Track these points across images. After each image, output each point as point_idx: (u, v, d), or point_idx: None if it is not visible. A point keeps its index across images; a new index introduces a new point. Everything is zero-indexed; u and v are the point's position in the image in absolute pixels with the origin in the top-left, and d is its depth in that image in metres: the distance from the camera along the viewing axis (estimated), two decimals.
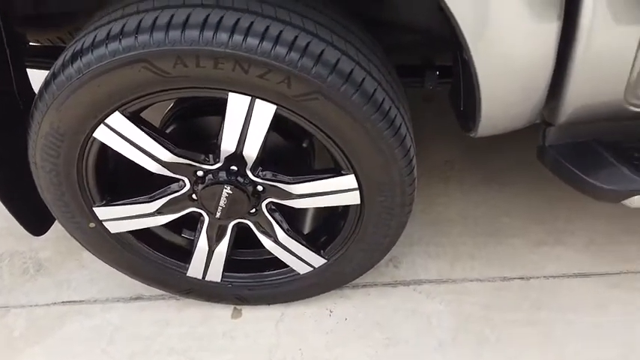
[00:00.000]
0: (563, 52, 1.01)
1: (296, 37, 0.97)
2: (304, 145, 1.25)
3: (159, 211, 1.26)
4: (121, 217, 1.26)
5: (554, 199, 1.67)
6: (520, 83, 1.05)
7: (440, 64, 1.42)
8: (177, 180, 1.22)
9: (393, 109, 1.08)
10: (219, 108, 1.10)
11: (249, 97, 1.03)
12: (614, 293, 1.45)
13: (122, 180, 1.29)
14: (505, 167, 1.78)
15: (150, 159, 1.14)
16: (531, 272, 1.53)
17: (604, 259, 1.53)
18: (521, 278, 1.53)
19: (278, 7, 0.99)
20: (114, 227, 1.29)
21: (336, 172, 1.17)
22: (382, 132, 1.07)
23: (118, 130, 1.09)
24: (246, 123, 1.08)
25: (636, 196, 1.16)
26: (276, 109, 1.05)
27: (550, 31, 0.98)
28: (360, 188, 1.18)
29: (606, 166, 1.19)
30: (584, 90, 1.06)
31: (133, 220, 1.27)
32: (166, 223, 1.30)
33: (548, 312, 1.44)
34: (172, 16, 0.94)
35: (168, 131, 1.24)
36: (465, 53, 1.00)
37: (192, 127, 1.25)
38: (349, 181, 1.16)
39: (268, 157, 1.17)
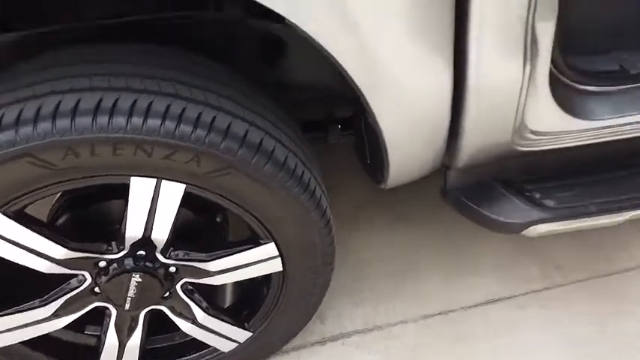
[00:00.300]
0: (457, 103, 1.08)
1: (200, 113, 0.92)
2: (218, 219, 1.18)
3: (56, 314, 1.10)
4: (8, 329, 1.08)
5: (460, 229, 1.76)
6: (424, 135, 1.11)
7: (341, 117, 1.46)
8: (76, 275, 1.08)
9: (306, 173, 1.07)
10: (117, 191, 1.00)
11: (155, 180, 0.96)
12: (523, 314, 1.55)
13: (6, 285, 1.11)
14: (413, 203, 1.85)
15: (40, 259, 1.00)
16: (449, 305, 1.59)
17: (509, 282, 1.64)
18: (441, 313, 1.58)
19: (177, 84, 0.94)
20: (0, 341, 1.10)
21: (255, 242, 1.12)
22: (298, 197, 1.05)
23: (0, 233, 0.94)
24: (153, 206, 0.99)
25: (532, 227, 1.27)
26: (186, 187, 0.98)
27: (444, 84, 1.04)
28: (281, 255, 1.14)
29: (504, 201, 1.28)
30: (478, 136, 1.14)
31: (24, 329, 1.09)
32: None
33: (470, 342, 1.50)
34: (59, 103, 0.84)
35: (58, 224, 1.10)
36: (369, 116, 1.03)
37: (87, 215, 1.12)
38: (269, 249, 1.12)
39: (180, 236, 1.09)
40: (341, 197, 1.88)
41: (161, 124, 0.88)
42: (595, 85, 1.22)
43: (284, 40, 1.24)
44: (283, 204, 1.04)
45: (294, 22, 0.89)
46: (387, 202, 1.87)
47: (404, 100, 1.03)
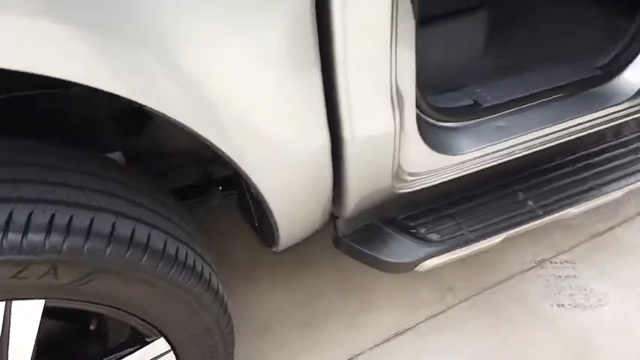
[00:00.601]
0: (337, 158, 1.07)
1: (53, 215, 0.79)
2: (92, 326, 1.03)
3: None
4: None
5: (354, 268, 1.77)
6: (310, 195, 1.08)
7: (222, 177, 1.39)
8: None
9: (190, 254, 0.97)
10: None
11: (3, 302, 0.79)
12: (428, 341, 1.59)
13: None
14: (308, 249, 1.81)
15: None
16: (357, 348, 1.58)
17: (409, 312, 1.67)
18: (350, 359, 1.56)
19: (17, 183, 0.79)
20: None
21: (141, 341, 0.99)
22: (185, 285, 0.95)
23: None
24: (5, 332, 0.82)
25: (422, 263, 1.30)
26: (46, 302, 0.83)
27: (321, 143, 1.03)
28: (173, 349, 1.02)
29: (392, 242, 1.30)
30: (361, 186, 1.15)
31: None
32: None
33: None
34: None
35: None
36: (251, 186, 0.97)
37: None
38: (159, 346, 1.00)
39: (46, 353, 0.92)
40: (231, 253, 1.79)
41: (2, 239, 0.74)
42: (455, 122, 1.30)
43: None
44: (168, 295, 0.94)
45: (141, 102, 0.81)
46: (281, 252, 1.82)
47: (284, 164, 0.99)
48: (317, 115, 0.98)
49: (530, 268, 1.78)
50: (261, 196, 1.00)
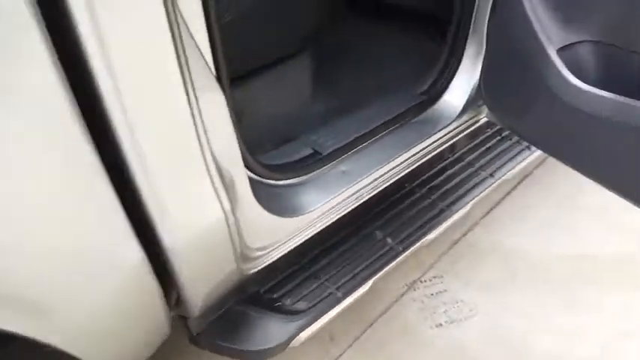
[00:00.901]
0: (164, 268, 0.88)
1: None
2: None
3: None
4: None
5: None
6: (130, 319, 0.88)
7: None
8: None
9: None
10: None
11: None
12: None
13: None
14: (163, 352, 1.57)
15: None
16: None
17: None
18: None
19: None
20: None
21: None
22: None
23: None
24: None
25: (296, 337, 1.17)
26: None
27: (132, 259, 0.83)
28: None
29: (258, 325, 1.15)
30: (202, 284, 0.98)
31: None
32: None
33: None
34: None
35: None
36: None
37: None
38: None
39: None
40: None
41: None
42: (297, 177, 1.20)
43: None
44: None
45: None
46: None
47: (76, 297, 0.77)
48: (114, 228, 0.77)
49: (403, 294, 1.76)
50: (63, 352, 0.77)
